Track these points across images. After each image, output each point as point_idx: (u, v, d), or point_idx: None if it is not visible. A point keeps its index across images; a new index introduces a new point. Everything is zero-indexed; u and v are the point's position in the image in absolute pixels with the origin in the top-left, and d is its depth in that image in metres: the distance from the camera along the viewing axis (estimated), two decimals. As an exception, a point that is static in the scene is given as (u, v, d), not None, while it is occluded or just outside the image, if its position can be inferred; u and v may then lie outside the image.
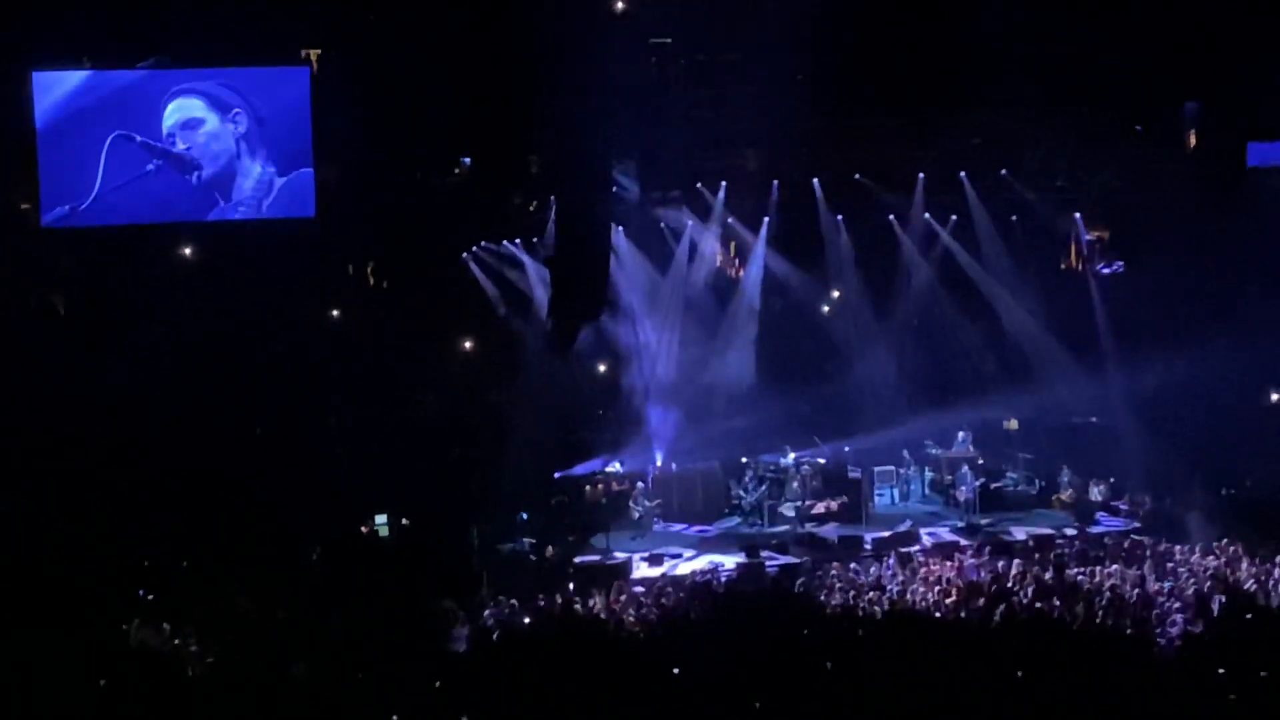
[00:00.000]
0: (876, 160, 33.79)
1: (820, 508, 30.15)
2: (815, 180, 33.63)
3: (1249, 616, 20.31)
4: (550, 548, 27.37)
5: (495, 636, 20.65)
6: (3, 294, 30.93)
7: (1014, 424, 32.65)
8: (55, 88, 29.25)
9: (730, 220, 33.93)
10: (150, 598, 21.83)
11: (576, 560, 27.38)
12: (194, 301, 30.19)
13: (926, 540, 28.18)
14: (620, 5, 28.27)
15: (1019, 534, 28.41)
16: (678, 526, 30.12)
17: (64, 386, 28.08)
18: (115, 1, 28.60)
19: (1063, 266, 35.28)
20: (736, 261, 35.59)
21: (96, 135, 29.39)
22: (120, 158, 29.51)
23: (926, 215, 33.82)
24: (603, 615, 22.94)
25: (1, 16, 28.09)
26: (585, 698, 15.11)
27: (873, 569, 25.39)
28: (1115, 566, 24.60)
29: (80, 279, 31.55)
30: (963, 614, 21.90)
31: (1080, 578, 23.85)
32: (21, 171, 29.79)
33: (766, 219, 33.56)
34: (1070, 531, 28.43)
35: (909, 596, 23.30)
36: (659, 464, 31.47)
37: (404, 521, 28.49)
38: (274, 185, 30.06)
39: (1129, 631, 20.35)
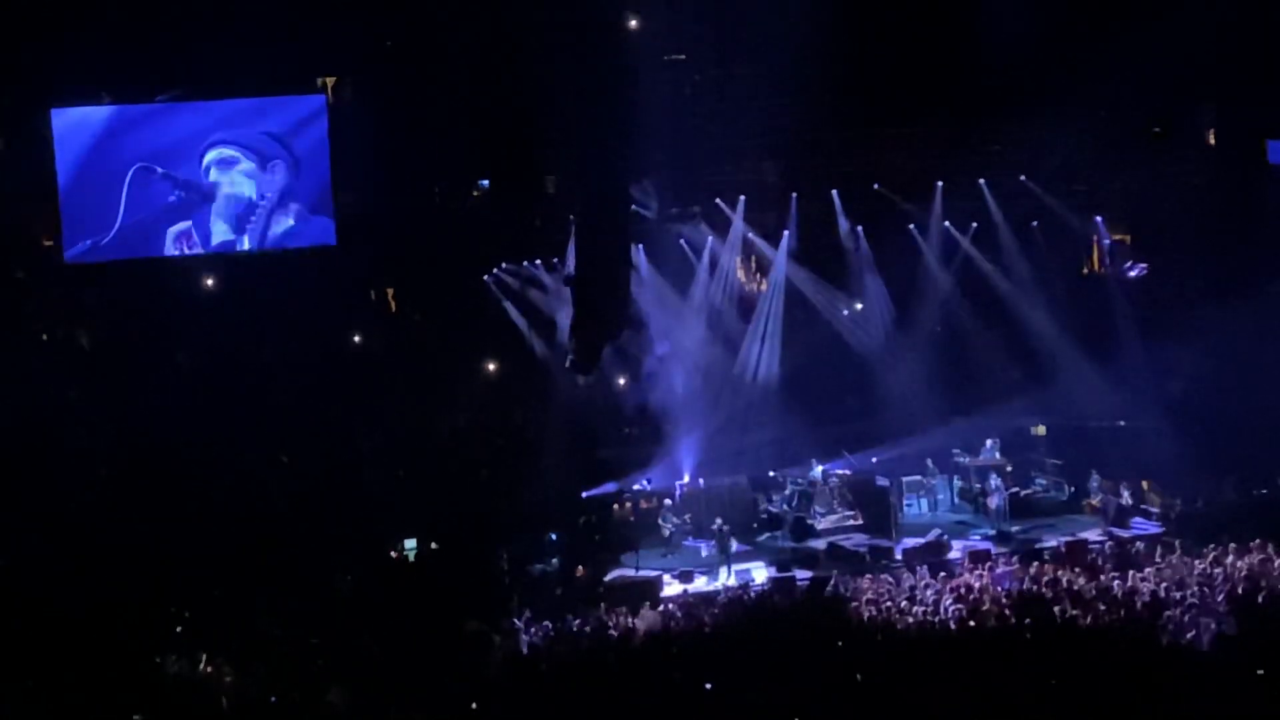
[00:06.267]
0: (895, 170, 33.74)
1: (849, 519, 30.07)
2: (834, 192, 33.65)
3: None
4: (580, 567, 27.34)
5: (527, 657, 20.61)
6: (27, 330, 31.07)
7: (1041, 430, 32.58)
8: (77, 124, 29.42)
9: (750, 234, 33.93)
10: (181, 629, 21.85)
11: (606, 579, 27.35)
12: (217, 331, 30.31)
13: (957, 550, 28.08)
14: (634, 23, 28.25)
15: (1051, 541, 28.27)
16: (707, 542, 30.07)
17: (90, 420, 28.18)
18: (130, 37, 28.72)
19: (1084, 270, 35.15)
20: (757, 275, 35.57)
21: (119, 169, 29.53)
22: (142, 190, 29.65)
23: (946, 223, 33.81)
24: (634, 632, 22.86)
25: (20, 55, 28.27)
26: (618, 715, 15.07)
27: (905, 580, 25.29)
28: (1149, 570, 24.45)
29: (103, 313, 31.69)
30: (996, 623, 21.76)
31: (1114, 583, 23.70)
32: (44, 209, 29.97)
33: (786, 232, 33.59)
34: (1102, 536, 28.30)
35: (942, 607, 23.17)
36: (686, 480, 31.42)
37: (433, 545, 28.50)
38: (300, 224, 30.22)
39: (1165, 636, 20.21)
